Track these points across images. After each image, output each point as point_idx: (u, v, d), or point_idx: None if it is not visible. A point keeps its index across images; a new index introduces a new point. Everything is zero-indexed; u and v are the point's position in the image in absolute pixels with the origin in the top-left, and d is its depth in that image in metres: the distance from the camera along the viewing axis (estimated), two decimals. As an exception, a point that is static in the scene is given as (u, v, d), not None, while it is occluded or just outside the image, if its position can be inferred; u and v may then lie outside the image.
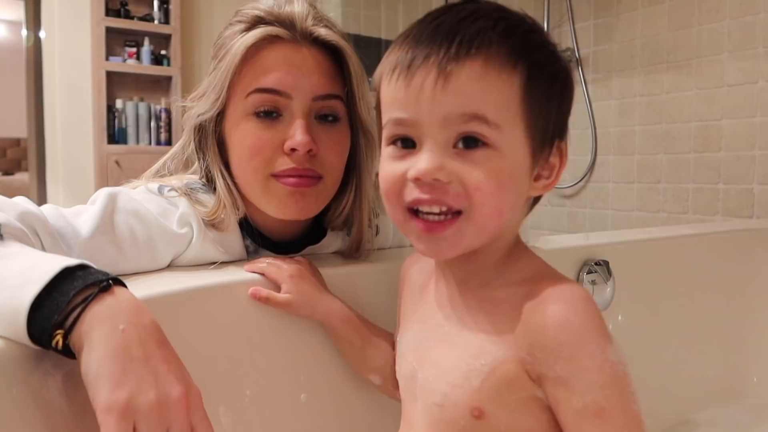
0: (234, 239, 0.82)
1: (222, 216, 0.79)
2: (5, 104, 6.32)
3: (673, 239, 1.25)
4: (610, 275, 1.09)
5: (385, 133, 0.55)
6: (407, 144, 0.53)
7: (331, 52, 0.78)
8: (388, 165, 0.54)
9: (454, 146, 0.51)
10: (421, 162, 0.51)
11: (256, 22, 0.76)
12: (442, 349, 0.58)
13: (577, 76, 2.36)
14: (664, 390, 1.13)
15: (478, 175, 0.50)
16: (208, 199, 0.80)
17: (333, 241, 0.91)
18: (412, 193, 0.52)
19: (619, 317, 1.13)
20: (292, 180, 0.75)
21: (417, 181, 0.51)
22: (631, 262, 1.14)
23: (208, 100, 0.78)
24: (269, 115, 0.75)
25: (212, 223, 0.79)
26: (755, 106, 1.83)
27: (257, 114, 0.75)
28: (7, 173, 6.14)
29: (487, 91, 0.50)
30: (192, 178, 0.84)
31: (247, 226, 0.83)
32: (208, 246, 0.80)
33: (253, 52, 0.75)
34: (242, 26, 0.76)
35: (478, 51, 0.50)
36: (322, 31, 0.77)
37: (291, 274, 0.74)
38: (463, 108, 0.50)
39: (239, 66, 0.75)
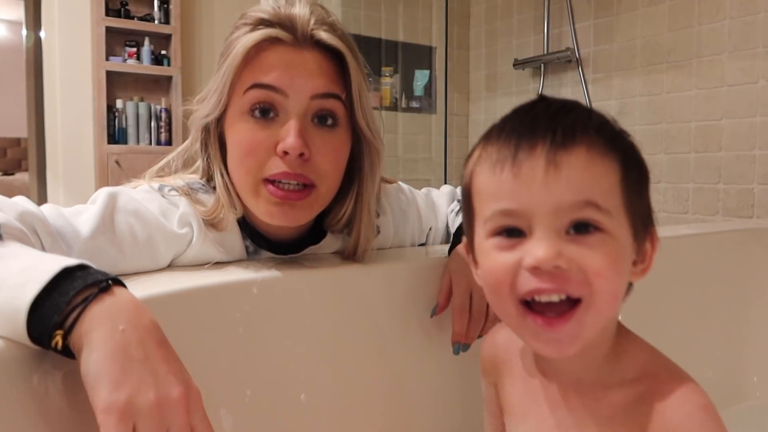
0: (234, 239, 0.82)
1: (221, 215, 0.79)
2: (5, 104, 6.33)
3: (673, 239, 1.25)
4: (610, 275, 1.09)
5: (489, 226, 0.53)
6: (513, 233, 0.51)
7: (333, 55, 0.78)
8: (496, 256, 0.52)
9: (567, 232, 0.50)
10: (538, 249, 0.49)
11: (259, 24, 0.76)
12: None
13: (578, 76, 2.36)
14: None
15: (599, 260, 0.49)
16: (209, 198, 0.80)
17: (333, 242, 0.91)
18: (529, 283, 0.50)
19: (619, 317, 1.13)
20: (280, 193, 0.74)
21: (535, 270, 0.49)
22: (631, 262, 1.14)
23: (211, 102, 0.78)
24: (265, 114, 0.75)
25: (212, 223, 0.79)
26: (755, 105, 1.83)
27: (253, 112, 0.75)
28: (7, 173, 6.14)
29: (596, 177, 0.50)
30: (193, 177, 0.84)
31: (246, 227, 0.83)
32: (208, 246, 0.80)
33: (253, 53, 0.75)
34: (246, 29, 0.76)
35: (581, 139, 0.50)
36: (323, 35, 0.76)
37: None
38: (575, 195, 0.49)
39: (240, 66, 0.75)
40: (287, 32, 0.75)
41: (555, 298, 0.49)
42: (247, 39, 0.75)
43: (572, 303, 0.50)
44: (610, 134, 0.53)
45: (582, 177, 0.49)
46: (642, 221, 0.54)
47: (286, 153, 0.73)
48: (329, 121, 0.77)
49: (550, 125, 0.51)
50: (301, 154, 0.73)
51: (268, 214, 0.76)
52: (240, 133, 0.76)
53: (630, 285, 0.56)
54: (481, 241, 0.54)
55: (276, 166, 0.74)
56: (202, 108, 0.79)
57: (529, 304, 0.51)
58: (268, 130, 0.74)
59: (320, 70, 0.76)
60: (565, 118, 0.51)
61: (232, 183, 0.79)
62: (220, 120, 0.79)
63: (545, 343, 0.51)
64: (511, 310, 0.52)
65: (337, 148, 0.78)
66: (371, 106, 0.82)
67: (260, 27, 0.76)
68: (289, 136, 0.73)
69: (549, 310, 0.50)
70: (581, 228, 0.49)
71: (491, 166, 0.52)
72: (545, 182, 0.49)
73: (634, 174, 0.53)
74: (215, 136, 0.80)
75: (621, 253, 0.51)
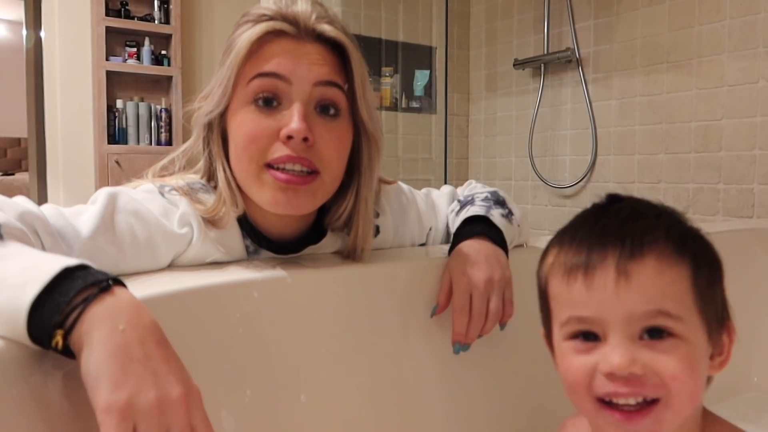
0: (234, 239, 0.82)
1: (221, 213, 0.79)
2: (6, 104, 6.33)
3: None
4: (611, 275, 1.09)
5: (566, 330, 0.56)
6: (590, 337, 0.55)
7: (335, 48, 0.79)
8: (573, 359, 0.55)
9: (640, 338, 0.52)
10: (613, 356, 0.52)
11: (262, 19, 0.77)
12: None
13: (578, 76, 2.36)
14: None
15: (673, 365, 0.51)
16: (209, 198, 0.80)
17: (333, 242, 0.91)
18: (606, 387, 0.53)
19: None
20: (284, 176, 0.74)
21: (611, 375, 0.52)
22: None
23: (215, 97, 0.78)
24: (268, 103, 0.75)
25: (212, 221, 0.79)
26: (755, 105, 1.83)
27: (256, 101, 0.75)
28: (7, 173, 6.14)
29: (666, 286, 0.52)
30: (193, 177, 0.84)
31: (247, 226, 0.83)
32: (208, 246, 0.80)
33: (257, 45, 0.76)
34: (249, 25, 0.77)
35: (650, 248, 0.53)
36: (326, 28, 0.77)
37: None
38: (646, 305, 0.52)
39: (244, 59, 0.75)
40: (290, 25, 0.76)
41: (632, 401, 0.52)
42: (251, 32, 0.75)
43: (653, 402, 0.52)
44: (680, 238, 0.55)
45: (652, 286, 0.52)
46: (716, 317, 0.56)
47: (289, 138, 0.73)
48: (331, 111, 0.77)
49: (619, 235, 0.54)
50: (305, 139, 0.73)
51: (273, 201, 0.76)
52: (243, 122, 0.76)
53: (709, 378, 0.57)
54: (559, 342, 0.57)
55: (279, 150, 0.74)
56: (206, 104, 0.80)
57: (609, 402, 0.53)
58: (272, 117, 0.75)
59: (323, 59, 0.77)
60: (634, 227, 0.54)
61: (234, 178, 0.79)
62: (223, 115, 0.79)
63: None
64: (589, 407, 0.55)
65: (340, 137, 0.78)
66: (373, 99, 0.82)
67: (263, 21, 0.76)
68: (293, 120, 0.73)
69: (627, 405, 0.53)
70: (655, 333, 0.52)
71: (564, 275, 0.56)
72: (616, 293, 0.52)
73: (705, 274, 0.55)
74: (218, 131, 0.80)
75: (695, 354, 0.53)
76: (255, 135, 0.75)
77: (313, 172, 0.76)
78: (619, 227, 0.54)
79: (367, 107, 0.80)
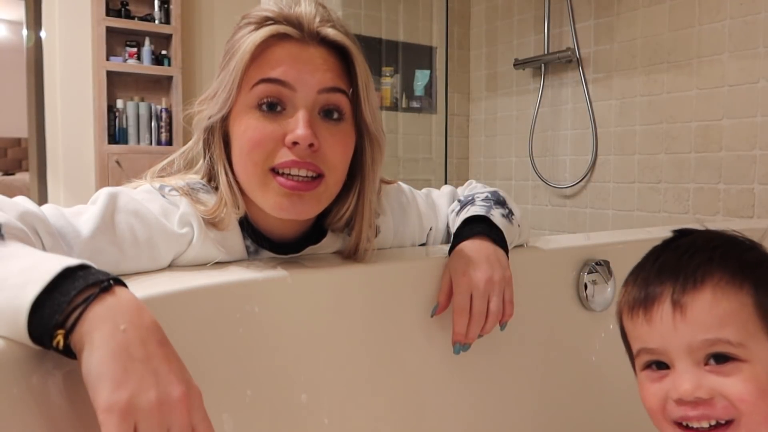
0: (234, 239, 0.82)
1: (222, 215, 0.79)
2: (6, 104, 6.33)
3: (674, 239, 1.25)
4: (611, 275, 1.09)
5: (639, 361, 0.62)
6: (661, 366, 0.60)
7: (338, 52, 0.79)
8: (648, 387, 0.61)
9: (706, 363, 0.57)
10: (680, 383, 0.57)
11: (265, 22, 0.76)
12: None
13: (578, 76, 2.36)
14: (665, 390, 1.13)
15: (738, 387, 0.55)
16: (210, 198, 0.80)
17: (333, 242, 0.91)
18: (678, 412, 0.58)
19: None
20: (290, 183, 0.75)
21: (680, 401, 0.57)
22: (632, 262, 1.14)
23: (218, 101, 0.78)
24: (273, 108, 0.75)
25: (212, 222, 0.79)
26: (756, 105, 1.82)
27: (260, 106, 0.75)
28: (7, 173, 6.14)
29: (723, 316, 0.56)
30: (194, 177, 0.84)
31: (247, 226, 0.83)
32: (208, 246, 0.80)
33: (261, 48, 0.75)
34: (251, 27, 0.77)
35: (704, 281, 0.57)
36: (329, 31, 0.77)
37: None
38: (704, 335, 0.56)
39: (248, 63, 0.75)
40: (294, 28, 0.76)
41: (705, 424, 0.57)
42: (255, 35, 0.75)
43: (725, 423, 0.56)
44: (739, 268, 0.58)
45: (708, 318, 0.56)
46: None
47: (295, 143, 0.73)
48: (335, 115, 0.78)
49: (674, 272, 0.59)
50: (311, 145, 0.74)
51: (278, 206, 0.76)
52: (248, 127, 0.76)
53: None
54: (638, 370, 0.63)
55: (284, 155, 0.74)
56: (208, 108, 0.79)
57: (684, 425, 0.58)
58: (276, 122, 0.75)
59: (326, 65, 0.77)
60: (689, 263, 0.58)
61: (236, 180, 0.79)
62: (225, 118, 0.79)
63: None
64: (669, 430, 0.59)
65: (344, 141, 0.79)
66: (376, 101, 0.83)
67: (266, 24, 0.76)
68: (298, 127, 0.73)
69: (701, 428, 0.57)
70: (719, 359, 0.56)
71: (629, 311, 0.62)
72: (674, 326, 0.57)
73: None
74: (220, 134, 0.80)
75: (762, 375, 0.56)
76: (259, 140, 0.75)
77: (317, 177, 0.76)
78: (675, 263, 0.59)
79: (371, 110, 0.81)
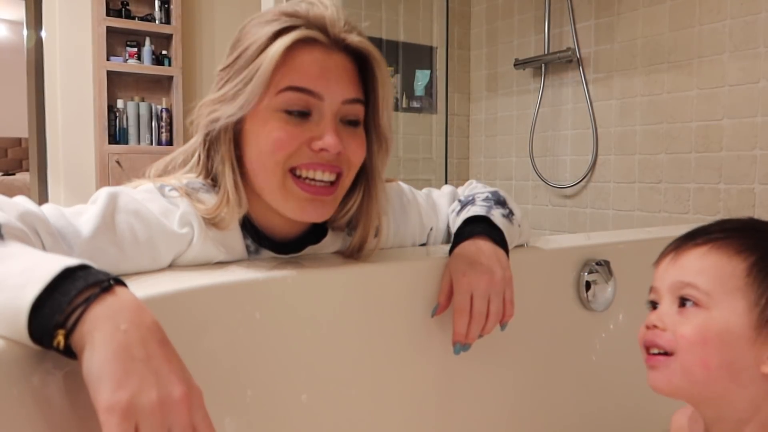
0: (235, 239, 0.82)
1: (223, 214, 0.79)
2: (6, 104, 6.33)
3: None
4: (611, 275, 1.09)
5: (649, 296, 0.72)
6: (655, 305, 0.70)
7: (357, 57, 0.80)
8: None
9: (681, 305, 0.66)
10: (651, 315, 0.69)
11: (289, 24, 0.76)
12: None
13: (578, 76, 2.36)
14: (665, 390, 1.13)
15: (685, 327, 0.64)
16: (210, 198, 0.80)
17: (333, 241, 0.91)
18: (643, 337, 0.69)
19: (620, 317, 1.13)
20: (311, 188, 0.77)
21: (646, 328, 0.69)
22: (632, 262, 1.14)
23: (238, 103, 0.76)
24: (300, 114, 0.76)
25: (213, 222, 0.79)
26: (756, 105, 1.82)
27: (288, 112, 0.76)
28: (8, 173, 6.15)
29: (704, 267, 0.65)
30: (193, 177, 0.84)
31: (248, 226, 0.83)
32: (209, 246, 0.80)
33: (288, 52, 0.75)
34: (272, 27, 0.75)
35: (709, 242, 0.66)
36: (354, 39, 0.78)
37: None
38: (681, 277, 0.66)
39: (275, 68, 0.74)
40: (321, 33, 0.76)
41: (654, 351, 0.67)
42: (284, 40, 0.74)
43: (667, 354, 0.66)
44: (753, 241, 0.65)
45: (693, 265, 0.66)
46: None
47: (322, 150, 0.75)
48: (353, 121, 0.80)
49: (696, 233, 0.68)
50: (338, 153, 0.76)
51: (300, 210, 0.78)
52: (272, 129, 0.76)
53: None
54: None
55: (306, 156, 0.76)
56: (223, 108, 0.77)
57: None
58: (301, 126, 0.76)
59: (348, 74, 0.78)
60: (714, 230, 0.68)
61: (244, 181, 0.79)
62: (240, 119, 0.78)
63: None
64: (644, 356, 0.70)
65: (361, 144, 0.81)
66: (392, 105, 0.85)
67: (292, 27, 0.75)
68: (327, 135, 0.75)
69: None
70: (686, 301, 0.65)
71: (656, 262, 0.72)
72: (666, 268, 0.69)
73: None
74: (230, 134, 0.79)
75: (713, 325, 0.63)
76: (285, 142, 0.76)
77: (336, 179, 0.79)
78: (705, 230, 0.68)
79: (388, 115, 0.83)
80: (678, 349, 0.64)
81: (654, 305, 0.70)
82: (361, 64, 0.80)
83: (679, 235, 0.70)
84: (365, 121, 0.82)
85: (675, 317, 0.66)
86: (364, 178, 0.85)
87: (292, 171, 0.77)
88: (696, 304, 0.64)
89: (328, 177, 0.78)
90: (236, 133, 0.79)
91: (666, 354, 0.65)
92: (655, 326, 0.67)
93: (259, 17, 0.79)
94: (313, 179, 0.77)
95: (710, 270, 0.65)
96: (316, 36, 0.76)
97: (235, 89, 0.76)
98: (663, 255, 0.70)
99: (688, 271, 0.66)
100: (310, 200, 0.77)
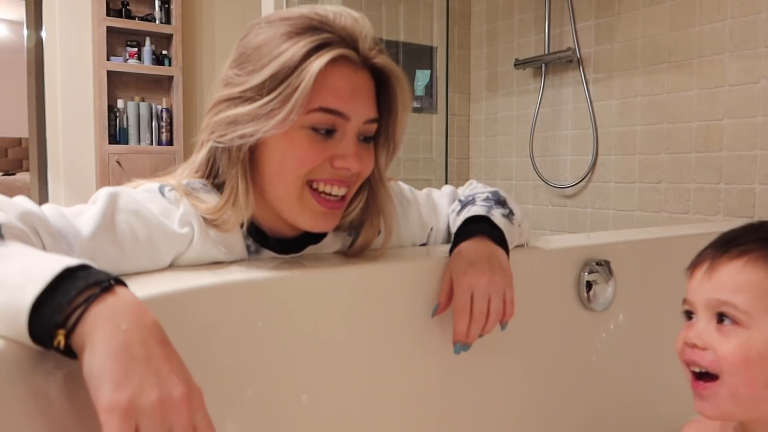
0: (235, 239, 0.82)
1: (226, 217, 0.79)
2: (6, 104, 6.33)
3: (675, 239, 1.25)
4: (612, 275, 1.09)
5: (682, 309, 0.70)
6: (690, 316, 0.68)
7: (378, 75, 0.81)
8: (679, 332, 0.69)
9: (719, 321, 0.64)
10: (691, 331, 0.67)
11: (322, 42, 0.74)
12: None
13: (579, 76, 2.36)
14: (666, 390, 1.13)
15: (728, 347, 0.62)
16: (210, 198, 0.80)
17: (334, 241, 0.91)
18: (684, 354, 0.67)
19: (621, 317, 1.13)
20: (328, 203, 0.79)
21: (687, 344, 0.67)
22: (632, 262, 1.14)
23: (272, 122, 0.73)
24: (329, 134, 0.78)
25: (215, 223, 0.79)
26: (757, 105, 1.82)
27: (316, 130, 0.77)
28: (8, 173, 6.15)
29: (742, 284, 0.63)
30: (192, 177, 0.83)
31: (249, 226, 0.83)
32: (209, 246, 0.80)
33: (322, 70, 0.73)
34: (307, 41, 0.74)
35: (742, 255, 0.64)
36: (380, 59, 0.79)
37: None
38: (719, 295, 0.64)
39: (310, 91, 0.73)
40: (352, 51, 0.77)
41: (695, 369, 0.65)
42: (320, 61, 0.73)
43: (713, 377, 0.64)
44: None
45: (730, 281, 0.63)
46: None
47: (342, 167, 0.78)
48: (368, 137, 0.82)
49: (727, 243, 0.66)
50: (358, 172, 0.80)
51: (314, 222, 0.81)
52: (297, 143, 0.77)
53: None
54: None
55: (326, 172, 0.79)
56: (260, 125, 0.74)
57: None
58: (326, 143, 0.78)
59: (371, 93, 0.80)
60: (744, 239, 0.65)
61: (255, 191, 0.80)
62: None
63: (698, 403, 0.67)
64: (685, 370, 0.68)
65: (371, 158, 0.84)
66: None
67: (327, 43, 0.74)
68: (350, 156, 0.78)
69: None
70: (725, 319, 0.63)
71: (687, 270, 0.71)
72: (701, 283, 0.66)
73: None
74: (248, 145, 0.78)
75: (756, 345, 0.61)
76: (309, 159, 0.77)
77: (347, 192, 0.82)
78: (734, 237, 0.66)
79: (403, 129, 0.85)
80: (722, 371, 0.62)
81: (689, 315, 0.69)
82: (380, 80, 0.81)
83: (713, 242, 0.68)
84: (376, 132, 0.84)
85: (714, 335, 0.64)
86: (370, 180, 0.87)
87: (309, 184, 0.79)
88: (735, 322, 0.63)
89: (342, 192, 0.81)
90: (254, 142, 0.77)
91: (709, 375, 0.64)
92: (695, 345, 0.65)
93: (280, 22, 0.77)
94: (329, 194, 0.79)
95: (748, 288, 0.63)
96: (349, 55, 0.76)
97: (269, 107, 0.74)
98: (696, 265, 0.68)
99: (725, 289, 0.64)
100: (324, 213, 0.80)
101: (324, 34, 0.75)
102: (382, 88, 0.82)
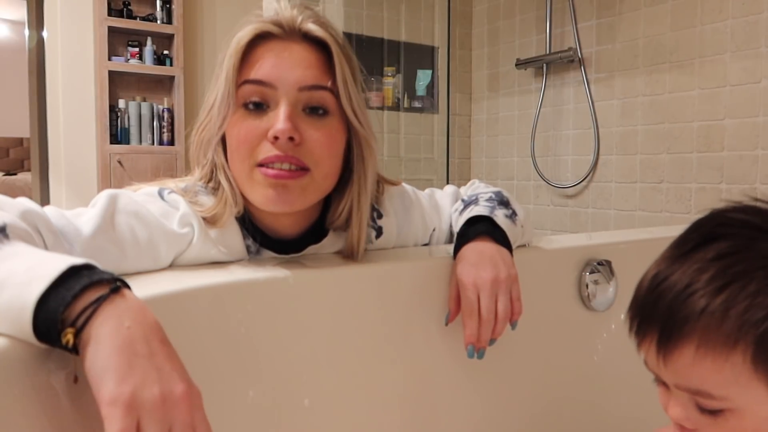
0: (235, 239, 0.82)
1: (220, 212, 0.80)
2: (8, 104, 6.34)
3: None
4: (613, 275, 1.09)
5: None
6: (662, 382, 0.58)
7: (322, 48, 0.80)
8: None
9: (697, 403, 0.55)
10: (674, 414, 0.57)
11: (250, 24, 0.79)
12: None
13: (580, 75, 2.36)
14: (667, 390, 1.13)
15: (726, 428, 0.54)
16: (208, 201, 0.81)
17: (334, 241, 0.91)
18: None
19: (622, 317, 1.13)
20: (273, 172, 0.76)
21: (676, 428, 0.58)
22: (633, 261, 1.14)
23: (221, 111, 0.79)
24: (259, 107, 0.77)
25: (211, 220, 0.80)
26: (758, 105, 1.82)
27: (246, 106, 0.77)
28: (9, 173, 6.16)
29: (705, 374, 0.53)
30: (192, 181, 0.84)
31: (249, 225, 0.83)
32: (209, 246, 0.80)
33: (246, 50, 0.78)
34: (235, 31, 0.79)
35: (690, 336, 0.53)
36: (311, 27, 0.79)
37: None
38: (687, 384, 0.54)
39: (237, 67, 0.77)
40: (276, 26, 0.78)
41: None
42: (238, 38, 0.77)
43: None
44: (737, 326, 0.52)
45: (690, 371, 0.54)
46: None
47: (276, 138, 0.75)
48: (320, 111, 0.79)
49: (663, 315, 0.55)
50: (291, 138, 0.75)
51: (264, 198, 0.77)
52: (236, 125, 0.78)
53: None
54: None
55: (268, 150, 0.76)
56: (212, 122, 0.80)
57: None
58: (260, 119, 0.77)
59: (307, 62, 0.78)
60: (681, 307, 0.53)
61: (234, 177, 0.80)
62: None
63: None
64: None
65: (330, 134, 0.79)
66: (361, 98, 0.83)
67: (250, 25, 0.78)
68: (278, 121, 0.75)
69: None
70: (705, 409, 0.55)
71: (625, 321, 0.60)
72: (658, 367, 0.56)
73: None
74: (218, 138, 0.81)
75: (750, 423, 0.54)
76: (245, 137, 0.77)
77: (301, 169, 0.77)
78: (667, 306, 0.54)
79: (353, 106, 0.81)
80: None
81: (659, 382, 0.60)
82: (328, 54, 0.80)
83: (641, 305, 0.58)
84: (343, 114, 0.81)
85: (701, 418, 0.56)
86: (351, 176, 0.85)
87: (259, 166, 0.77)
88: (717, 408, 0.55)
89: (288, 166, 0.76)
90: (223, 134, 0.81)
91: None
92: (683, 427, 0.57)
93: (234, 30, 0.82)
94: (274, 166, 0.76)
95: (714, 376, 0.54)
96: (271, 29, 0.78)
97: (216, 97, 0.80)
98: (639, 339, 0.58)
99: (691, 379, 0.55)
100: (274, 186, 0.76)
101: (252, 21, 0.79)
102: (331, 61, 0.80)
